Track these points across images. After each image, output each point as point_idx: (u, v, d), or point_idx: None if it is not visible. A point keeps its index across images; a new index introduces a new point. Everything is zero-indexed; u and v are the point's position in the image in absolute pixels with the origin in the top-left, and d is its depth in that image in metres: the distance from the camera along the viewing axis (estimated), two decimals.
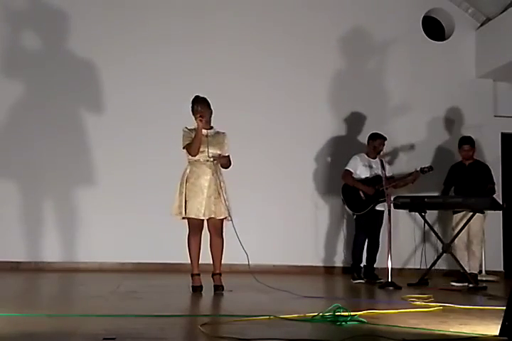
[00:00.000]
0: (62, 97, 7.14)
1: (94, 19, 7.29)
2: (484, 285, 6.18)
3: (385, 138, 6.66)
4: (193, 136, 4.96)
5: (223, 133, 5.16)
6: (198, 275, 5.01)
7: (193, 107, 5.07)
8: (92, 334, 2.86)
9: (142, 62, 7.28)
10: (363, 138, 7.08)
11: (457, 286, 6.18)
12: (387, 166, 6.54)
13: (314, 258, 7.40)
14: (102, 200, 7.00)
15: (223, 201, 4.97)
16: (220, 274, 5.04)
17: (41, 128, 7.08)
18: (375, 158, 6.63)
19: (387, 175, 6.35)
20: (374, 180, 6.51)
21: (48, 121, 7.10)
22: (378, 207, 6.53)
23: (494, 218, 7.31)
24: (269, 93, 7.50)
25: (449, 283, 6.36)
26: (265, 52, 7.55)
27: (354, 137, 7.66)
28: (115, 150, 7.12)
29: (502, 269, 7.64)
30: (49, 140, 7.09)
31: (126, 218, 6.97)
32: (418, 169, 6.56)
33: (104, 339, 2.64)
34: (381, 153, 6.51)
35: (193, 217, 4.92)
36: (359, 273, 6.54)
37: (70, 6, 7.26)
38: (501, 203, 6.50)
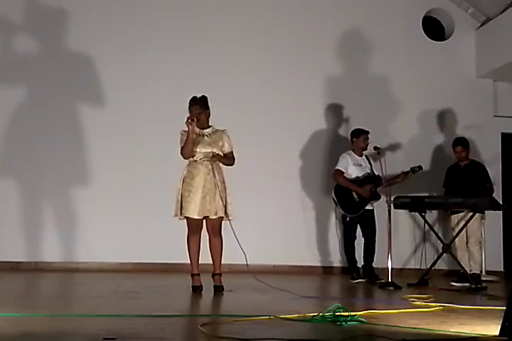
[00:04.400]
0: (61, 96, 7.15)
1: (93, 17, 7.29)
2: (484, 285, 6.18)
3: (368, 132, 6.68)
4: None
5: (223, 130, 5.13)
6: (198, 275, 5.01)
7: (188, 108, 5.07)
8: (92, 334, 2.86)
9: (141, 61, 7.28)
10: None
11: (457, 286, 6.18)
12: (373, 163, 6.60)
13: (314, 258, 7.40)
14: (102, 200, 7.00)
15: (220, 200, 4.95)
16: (220, 274, 5.03)
17: (40, 128, 7.09)
18: (361, 155, 6.68)
19: (375, 173, 6.47)
20: (367, 180, 6.53)
21: (47, 120, 7.10)
22: (367, 206, 6.55)
23: (494, 218, 7.31)
24: (266, 93, 7.49)
25: (449, 283, 6.36)
26: (264, 52, 7.55)
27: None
28: (115, 149, 7.12)
29: (502, 269, 7.64)
30: (49, 139, 7.09)
31: (126, 218, 6.97)
32: (408, 170, 6.58)
33: (104, 339, 2.64)
34: (379, 150, 6.42)
35: (188, 216, 4.93)
36: (358, 273, 6.54)
37: (69, 4, 7.25)
38: (501, 203, 6.52)
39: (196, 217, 4.93)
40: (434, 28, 8.31)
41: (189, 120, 4.90)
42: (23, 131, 7.05)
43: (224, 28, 7.49)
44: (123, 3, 7.42)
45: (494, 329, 2.97)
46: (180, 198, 4.96)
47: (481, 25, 8.13)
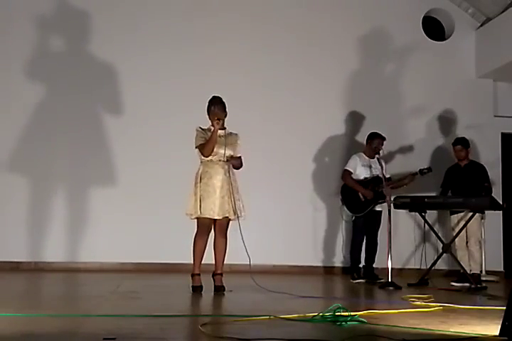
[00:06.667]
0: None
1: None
2: (484, 285, 6.18)
3: (383, 138, 6.67)
4: (208, 136, 4.98)
5: (236, 134, 5.15)
6: (199, 275, 5.00)
7: (209, 107, 5.08)
8: (92, 334, 2.86)
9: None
10: (363, 138, 7.07)
11: (457, 286, 6.18)
12: (384, 166, 6.55)
13: (314, 258, 7.40)
14: (102, 201, 7.00)
15: (234, 201, 4.96)
16: (221, 274, 5.03)
17: (43, 127, 7.09)
18: (373, 157, 6.64)
19: (386, 175, 6.38)
20: (373, 181, 6.52)
21: (51, 120, 7.11)
22: (376, 208, 6.54)
23: (494, 218, 7.31)
24: (271, 93, 7.51)
25: (449, 283, 6.36)
26: (269, 52, 7.58)
27: (354, 137, 7.66)
28: (117, 152, 7.13)
29: (502, 269, 7.64)
30: (49, 139, 7.10)
31: (126, 218, 6.97)
32: (417, 171, 6.57)
33: (104, 339, 2.64)
34: (380, 153, 6.50)
35: (206, 216, 4.91)
36: (359, 273, 6.54)
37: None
38: (501, 203, 6.51)
39: (215, 217, 4.92)
40: (434, 28, 8.31)
41: (217, 120, 4.93)
42: (27, 131, 7.05)
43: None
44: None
45: (494, 329, 2.97)
46: (198, 198, 4.93)
47: (481, 25, 8.14)
